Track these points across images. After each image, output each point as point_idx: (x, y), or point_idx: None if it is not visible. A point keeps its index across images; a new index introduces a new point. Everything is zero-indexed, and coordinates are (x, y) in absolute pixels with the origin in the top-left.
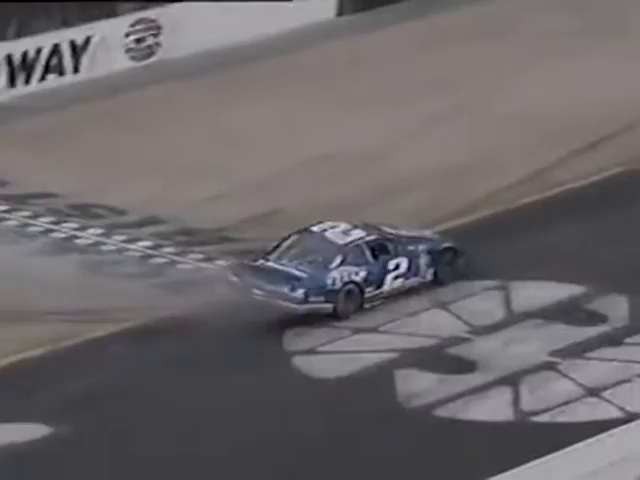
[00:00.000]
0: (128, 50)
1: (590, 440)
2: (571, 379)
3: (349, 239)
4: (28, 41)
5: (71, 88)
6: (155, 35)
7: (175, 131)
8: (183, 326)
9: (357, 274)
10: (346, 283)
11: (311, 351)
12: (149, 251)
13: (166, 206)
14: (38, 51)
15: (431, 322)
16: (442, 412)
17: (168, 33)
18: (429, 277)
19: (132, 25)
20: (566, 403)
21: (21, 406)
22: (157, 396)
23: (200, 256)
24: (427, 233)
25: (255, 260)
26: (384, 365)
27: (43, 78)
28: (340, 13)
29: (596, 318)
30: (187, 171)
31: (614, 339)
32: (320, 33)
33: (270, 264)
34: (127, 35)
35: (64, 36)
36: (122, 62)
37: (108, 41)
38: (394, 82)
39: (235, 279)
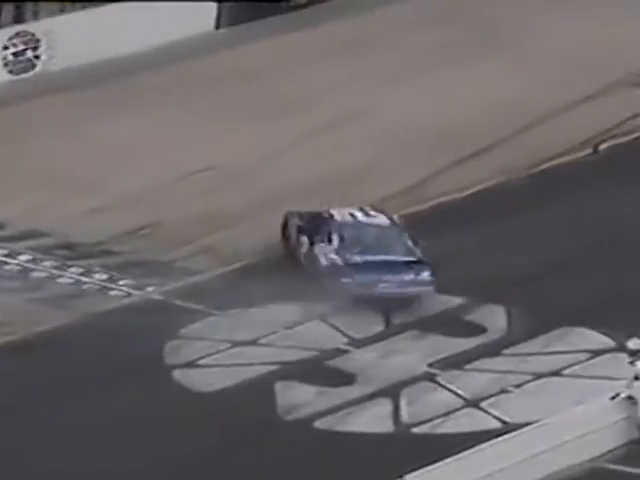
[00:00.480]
0: (6, 64)
1: (470, 451)
2: (450, 390)
3: (385, 220)
4: None
5: None
6: (34, 48)
7: (55, 144)
8: (62, 340)
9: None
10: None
11: (191, 364)
12: (29, 265)
13: (46, 219)
14: None
15: (310, 334)
16: (322, 424)
17: (47, 46)
18: None
19: (10, 39)
20: (446, 414)
21: None
22: (31, 411)
23: (80, 270)
24: None
25: (345, 258)
26: (264, 378)
27: None
28: (218, 26)
29: (474, 329)
30: (67, 184)
31: (492, 350)
32: (199, 46)
33: (371, 257)
34: (5, 48)
35: None
36: (0, 75)
37: None
38: (271, 95)
39: (347, 279)
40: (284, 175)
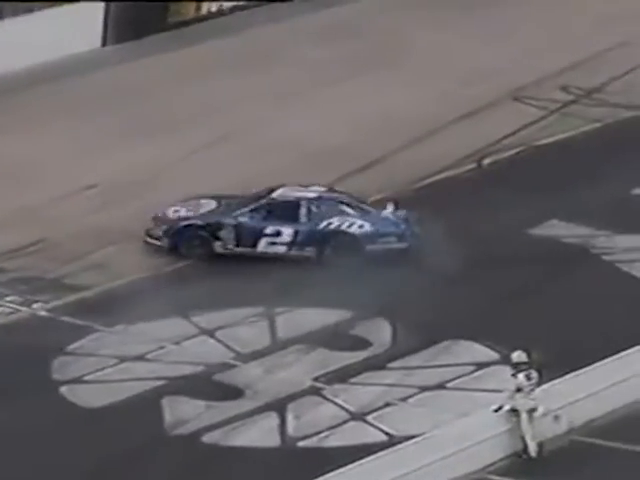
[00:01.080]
0: None
1: (355, 464)
2: (336, 404)
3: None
4: None
5: None
6: None
7: None
8: None
9: None
10: None
11: (78, 380)
12: None
13: None
14: None
15: (197, 349)
16: (208, 439)
17: None
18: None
19: None
20: (332, 427)
21: None
22: None
23: None
24: None
25: None
26: (151, 393)
27: None
28: (105, 43)
29: (360, 343)
30: None
31: (377, 364)
32: (87, 62)
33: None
34: None
35: None
36: None
37: None
38: (159, 111)
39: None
40: (173, 190)
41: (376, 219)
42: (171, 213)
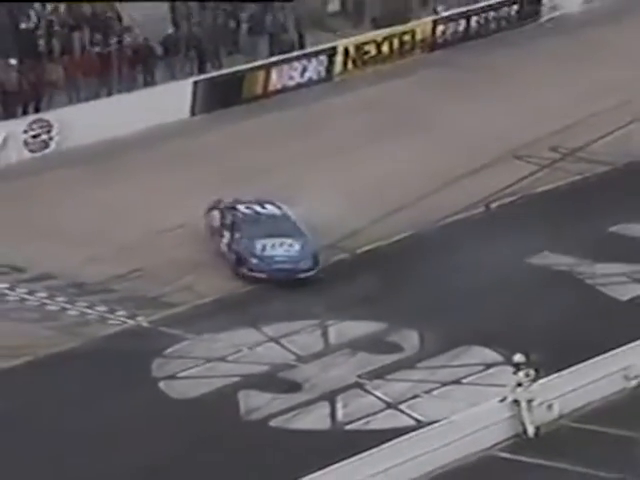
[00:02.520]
0: (27, 144)
1: (390, 442)
2: (375, 396)
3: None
4: None
5: None
6: (48, 132)
7: (63, 206)
8: (71, 358)
9: None
10: None
11: (172, 377)
12: (45, 300)
13: (56, 265)
14: None
15: (266, 353)
16: (274, 423)
17: (58, 130)
18: None
19: (29, 124)
20: (372, 414)
21: None
22: (54, 416)
23: (85, 304)
24: None
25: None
26: (230, 387)
27: None
28: (193, 114)
29: (394, 348)
30: (74, 237)
31: (408, 364)
32: (177, 129)
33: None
34: (25, 132)
35: None
36: (22, 153)
37: (11, 137)
38: (230, 168)
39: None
40: None
41: None
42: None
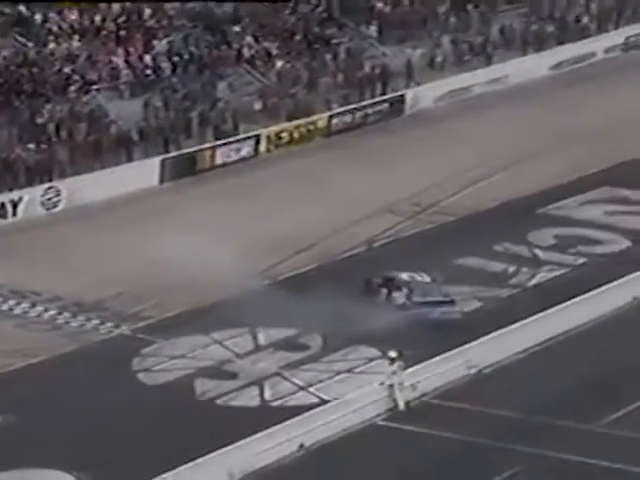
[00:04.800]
0: (43, 203)
1: (303, 414)
2: (291, 382)
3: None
4: None
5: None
6: (58, 195)
7: (70, 247)
8: (74, 356)
9: None
10: None
11: (147, 369)
12: (55, 315)
13: (64, 290)
14: None
15: (213, 352)
16: (220, 402)
17: (68, 194)
18: None
19: (45, 189)
20: (290, 394)
21: None
22: (54, 396)
23: (83, 318)
24: None
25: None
26: (189, 376)
27: None
28: (162, 181)
29: (304, 347)
30: (76, 270)
31: (314, 358)
32: (150, 193)
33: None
34: (42, 196)
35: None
36: (39, 210)
37: (31, 200)
38: (190, 221)
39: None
40: None
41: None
42: None
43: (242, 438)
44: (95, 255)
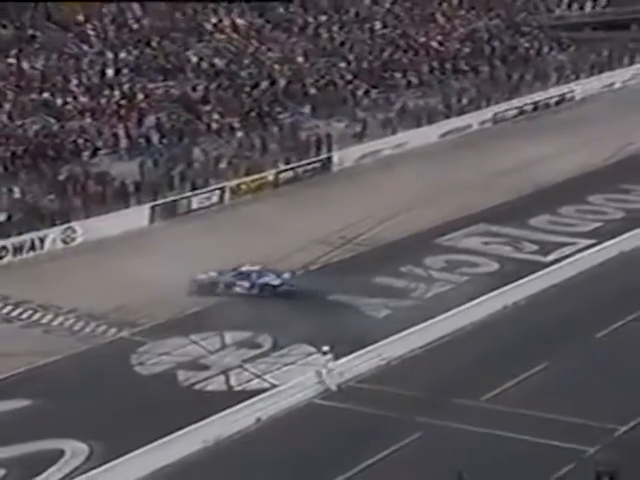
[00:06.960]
0: (62, 240)
1: (258, 397)
2: (250, 372)
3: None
4: None
5: (39, 256)
6: (74, 233)
7: (83, 274)
8: (86, 355)
9: None
10: None
11: (142, 364)
12: (72, 324)
13: (79, 304)
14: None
15: (191, 349)
16: (197, 387)
17: (80, 232)
18: None
19: (64, 229)
20: (249, 380)
21: None
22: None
23: (93, 325)
24: None
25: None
26: (173, 368)
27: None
28: (152, 222)
29: (259, 345)
30: (88, 291)
31: (267, 354)
32: (143, 231)
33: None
34: (62, 233)
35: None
36: (60, 245)
37: (54, 237)
38: (177, 252)
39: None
40: None
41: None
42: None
43: (214, 414)
44: (102, 278)
